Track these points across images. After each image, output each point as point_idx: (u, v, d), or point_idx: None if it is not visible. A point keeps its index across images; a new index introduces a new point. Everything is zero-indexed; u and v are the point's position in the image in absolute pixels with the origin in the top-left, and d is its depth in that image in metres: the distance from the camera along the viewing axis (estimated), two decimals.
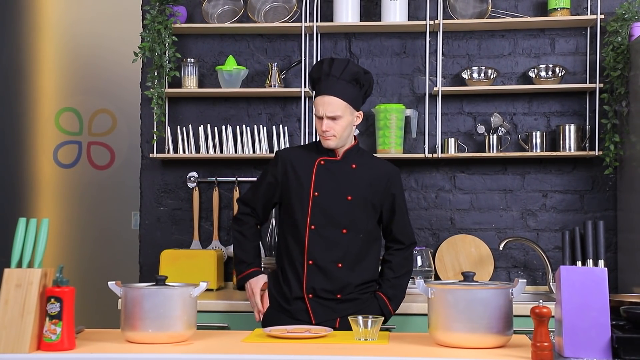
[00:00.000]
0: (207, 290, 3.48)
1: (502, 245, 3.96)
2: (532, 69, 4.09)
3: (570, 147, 3.98)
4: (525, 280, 2.83)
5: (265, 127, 4.15)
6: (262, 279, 3.22)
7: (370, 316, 2.57)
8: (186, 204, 4.25)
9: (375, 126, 4.07)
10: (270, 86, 4.12)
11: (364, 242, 3.15)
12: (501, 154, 4.04)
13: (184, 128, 4.18)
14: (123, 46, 5.04)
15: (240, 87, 4.13)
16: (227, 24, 4.15)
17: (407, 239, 3.26)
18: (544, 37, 4.16)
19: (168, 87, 4.12)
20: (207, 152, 4.14)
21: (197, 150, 4.17)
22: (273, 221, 4.05)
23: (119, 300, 2.60)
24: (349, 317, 2.61)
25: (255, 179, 3.54)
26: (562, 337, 2.22)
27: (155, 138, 4.12)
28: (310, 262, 3.09)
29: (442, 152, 4.05)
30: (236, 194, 4.16)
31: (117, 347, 2.45)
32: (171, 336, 2.49)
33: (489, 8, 4.07)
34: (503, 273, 4.14)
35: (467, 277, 2.52)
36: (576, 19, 4.00)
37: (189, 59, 4.13)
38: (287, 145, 4.12)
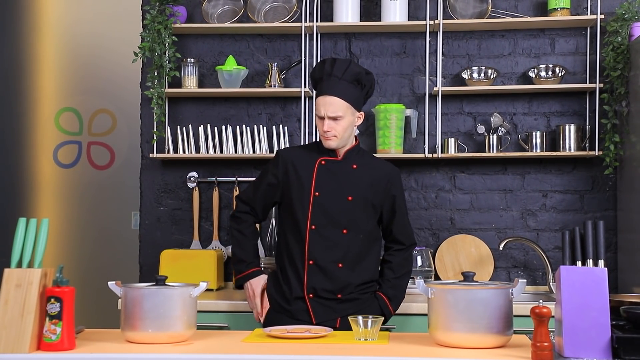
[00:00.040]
0: (207, 290, 3.48)
1: (502, 245, 3.96)
2: (532, 69, 4.09)
3: (570, 147, 3.98)
4: (525, 280, 2.82)
5: (265, 127, 4.15)
6: (262, 279, 3.22)
7: (370, 316, 2.57)
8: (186, 204, 4.25)
9: (375, 126, 4.07)
10: (270, 86, 4.12)
11: (365, 242, 3.15)
12: (501, 154, 4.04)
13: (184, 128, 4.18)
14: (123, 46, 5.04)
15: (240, 87, 4.13)
16: (227, 24, 4.15)
17: (407, 239, 3.26)
18: (544, 37, 4.16)
19: (168, 87, 4.12)
20: (207, 152, 4.14)
21: (197, 150, 4.17)
22: (273, 221, 4.05)
23: (119, 300, 2.60)
24: (349, 317, 2.61)
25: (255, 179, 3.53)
26: (562, 337, 2.22)
27: (155, 138, 4.12)
28: (311, 262, 3.09)
29: (442, 152, 4.04)
30: (236, 194, 4.16)
31: (117, 347, 2.45)
32: (171, 336, 2.49)
33: (489, 8, 4.07)
34: (503, 273, 4.13)
35: (467, 277, 2.52)
36: (576, 19, 4.00)
37: (189, 59, 4.13)
38: (287, 145, 4.12)
